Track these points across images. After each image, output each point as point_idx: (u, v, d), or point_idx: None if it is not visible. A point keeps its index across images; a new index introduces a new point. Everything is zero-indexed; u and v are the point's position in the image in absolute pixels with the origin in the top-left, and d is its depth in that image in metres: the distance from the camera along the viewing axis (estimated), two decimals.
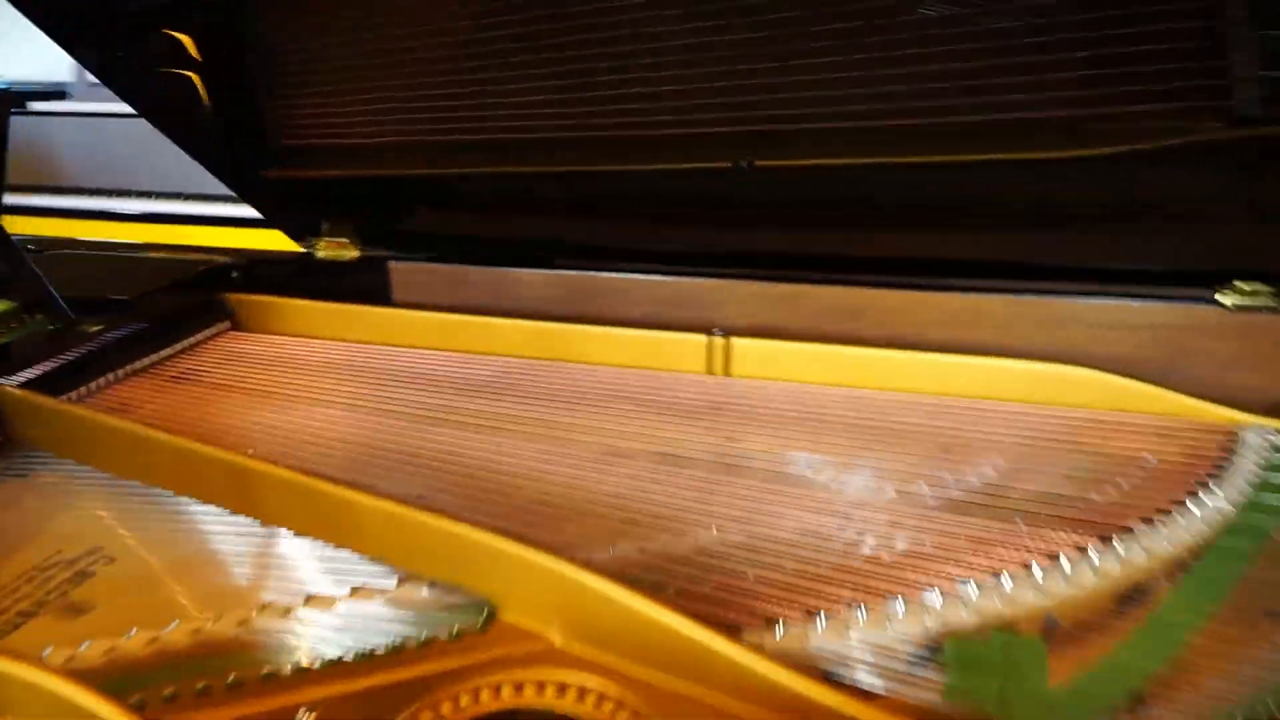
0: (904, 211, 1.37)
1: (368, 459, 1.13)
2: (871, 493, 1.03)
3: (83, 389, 1.27)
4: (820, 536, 0.96)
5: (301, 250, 1.54)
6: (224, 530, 1.04)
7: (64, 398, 1.23)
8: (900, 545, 0.94)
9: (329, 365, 1.39)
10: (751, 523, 0.98)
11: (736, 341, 1.30)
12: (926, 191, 1.34)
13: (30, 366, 1.27)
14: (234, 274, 1.52)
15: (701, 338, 1.31)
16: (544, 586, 0.84)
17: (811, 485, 1.06)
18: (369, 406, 1.26)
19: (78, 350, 1.33)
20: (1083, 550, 0.90)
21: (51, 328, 1.32)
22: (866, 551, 0.93)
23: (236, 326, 1.51)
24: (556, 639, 0.84)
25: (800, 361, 1.28)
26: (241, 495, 1.02)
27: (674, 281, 1.40)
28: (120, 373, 1.33)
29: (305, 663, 0.84)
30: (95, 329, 1.32)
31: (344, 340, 1.46)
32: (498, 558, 0.87)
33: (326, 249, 1.52)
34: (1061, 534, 0.94)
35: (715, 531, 0.97)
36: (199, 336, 1.45)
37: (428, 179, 1.52)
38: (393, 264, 1.50)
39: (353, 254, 1.52)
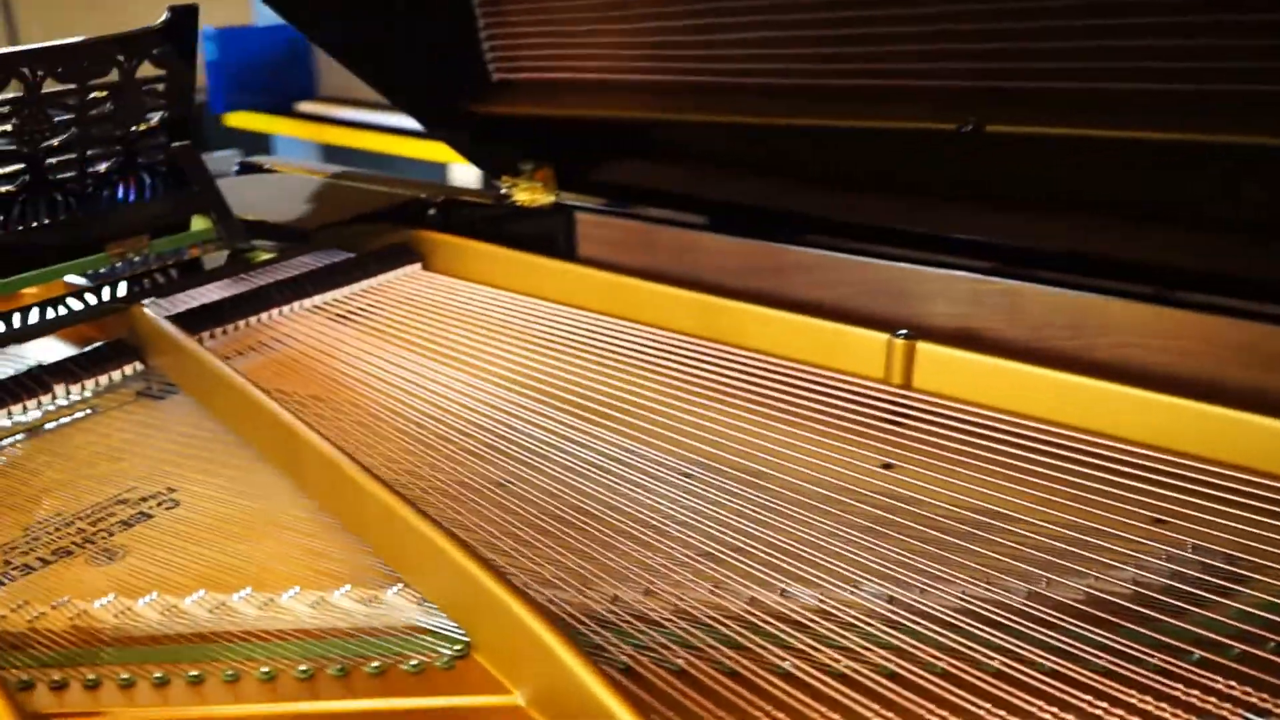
0: (1176, 207, 1.08)
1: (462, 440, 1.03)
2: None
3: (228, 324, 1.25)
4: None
5: (500, 191, 1.44)
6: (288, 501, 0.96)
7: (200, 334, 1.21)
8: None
9: (500, 324, 1.27)
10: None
11: (923, 347, 1.07)
12: (1214, 184, 1.05)
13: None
14: (431, 211, 1.45)
15: (883, 337, 1.09)
16: (514, 634, 0.70)
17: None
18: (509, 378, 1.15)
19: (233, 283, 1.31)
20: None
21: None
22: None
23: (428, 268, 1.44)
24: (521, 699, 0.70)
25: (999, 382, 1.02)
26: (287, 458, 0.95)
27: (870, 264, 1.18)
28: (283, 309, 1.29)
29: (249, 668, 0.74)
30: (265, 258, 1.30)
31: (527, 294, 1.34)
32: (476, 588, 0.73)
33: (525, 192, 1.41)
34: None
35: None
36: (383, 276, 1.38)
37: (635, 124, 1.37)
38: (580, 215, 1.38)
39: (549, 199, 1.40)
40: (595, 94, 1.36)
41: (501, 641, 0.71)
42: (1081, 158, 1.08)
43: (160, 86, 1.27)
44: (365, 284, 1.36)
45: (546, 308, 1.29)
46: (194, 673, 0.73)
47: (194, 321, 1.20)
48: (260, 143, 3.63)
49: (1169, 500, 0.86)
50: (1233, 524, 0.82)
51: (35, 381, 1.10)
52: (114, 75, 1.22)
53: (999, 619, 0.74)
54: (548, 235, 1.40)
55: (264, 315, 1.27)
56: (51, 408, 1.12)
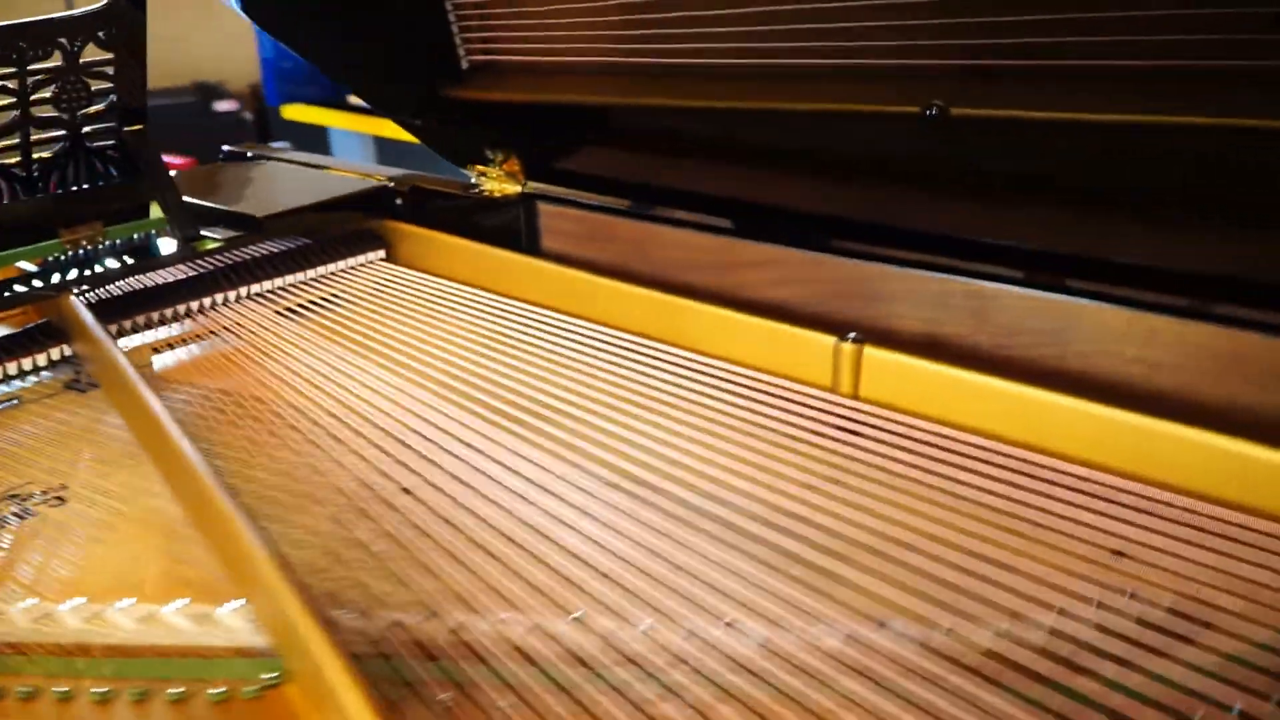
0: (1160, 200, 0.95)
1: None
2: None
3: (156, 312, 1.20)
4: None
5: (470, 181, 1.37)
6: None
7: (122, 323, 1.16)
8: None
9: (447, 322, 1.20)
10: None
11: (871, 354, 0.96)
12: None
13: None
14: (398, 200, 1.39)
15: (829, 341, 0.99)
16: (311, 668, 0.62)
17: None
18: (442, 381, 1.06)
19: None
20: None
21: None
22: None
23: (393, 258, 1.38)
24: None
25: (951, 394, 0.91)
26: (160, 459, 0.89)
27: (834, 262, 1.08)
28: (228, 296, 1.24)
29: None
30: (211, 247, 1.25)
31: (485, 288, 1.25)
32: (281, 610, 0.66)
33: (493, 181, 1.34)
34: None
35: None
36: (340, 263, 1.33)
37: (603, 111, 1.29)
38: (542, 206, 1.30)
39: (516, 188, 1.33)
40: (565, 79, 1.28)
41: (304, 672, 0.64)
42: (1059, 144, 0.97)
43: (109, 70, 1.23)
44: (320, 271, 1.30)
45: (498, 305, 1.21)
46: None
47: (115, 310, 1.16)
48: (316, 135, 3.63)
49: (1123, 536, 0.75)
50: (1195, 564, 0.71)
51: None
52: (58, 59, 1.19)
53: (873, 668, 0.64)
54: (511, 226, 1.32)
55: (206, 303, 1.22)
56: None
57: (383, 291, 1.28)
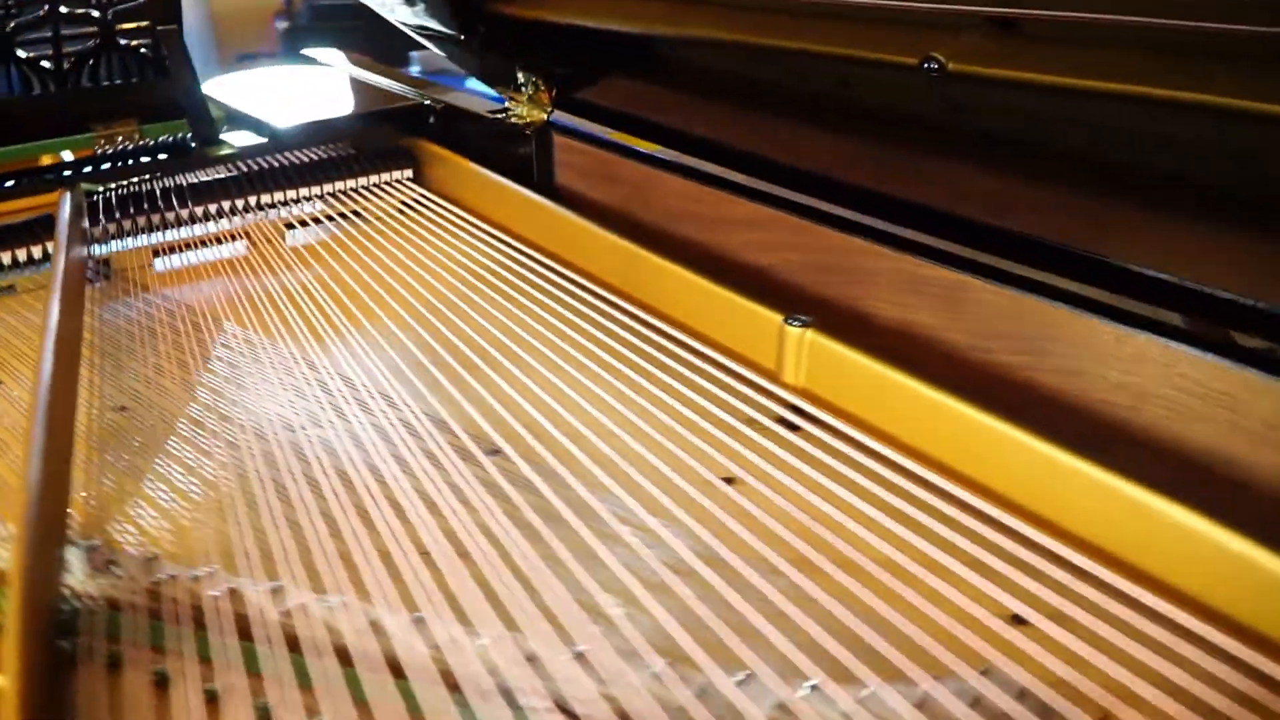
0: (1180, 194, 0.77)
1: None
2: None
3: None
4: None
5: (502, 105, 1.29)
6: None
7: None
8: None
9: (431, 263, 1.15)
10: None
11: (815, 341, 0.83)
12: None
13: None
14: (431, 119, 1.32)
15: (775, 319, 0.86)
16: None
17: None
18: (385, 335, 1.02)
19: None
20: None
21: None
22: None
23: (420, 179, 1.32)
24: None
25: (891, 399, 0.78)
26: None
27: (820, 231, 0.94)
28: (237, 204, 1.21)
29: None
30: (223, 153, 1.22)
31: (492, 221, 1.18)
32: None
33: (523, 107, 1.25)
34: None
35: None
36: (361, 181, 1.28)
37: (630, 39, 1.17)
38: (557, 137, 1.20)
39: (543, 116, 1.23)
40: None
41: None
42: (1075, 117, 0.80)
43: None
44: (340, 186, 1.26)
45: (488, 239, 1.14)
46: None
47: (116, 209, 1.15)
48: None
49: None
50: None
51: None
52: None
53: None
54: (529, 156, 1.24)
55: (215, 209, 1.20)
56: None
57: (391, 215, 1.23)
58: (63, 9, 1.19)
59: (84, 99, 1.23)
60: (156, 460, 0.81)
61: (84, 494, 0.77)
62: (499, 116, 1.27)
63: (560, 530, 0.70)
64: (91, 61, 1.23)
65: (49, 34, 1.20)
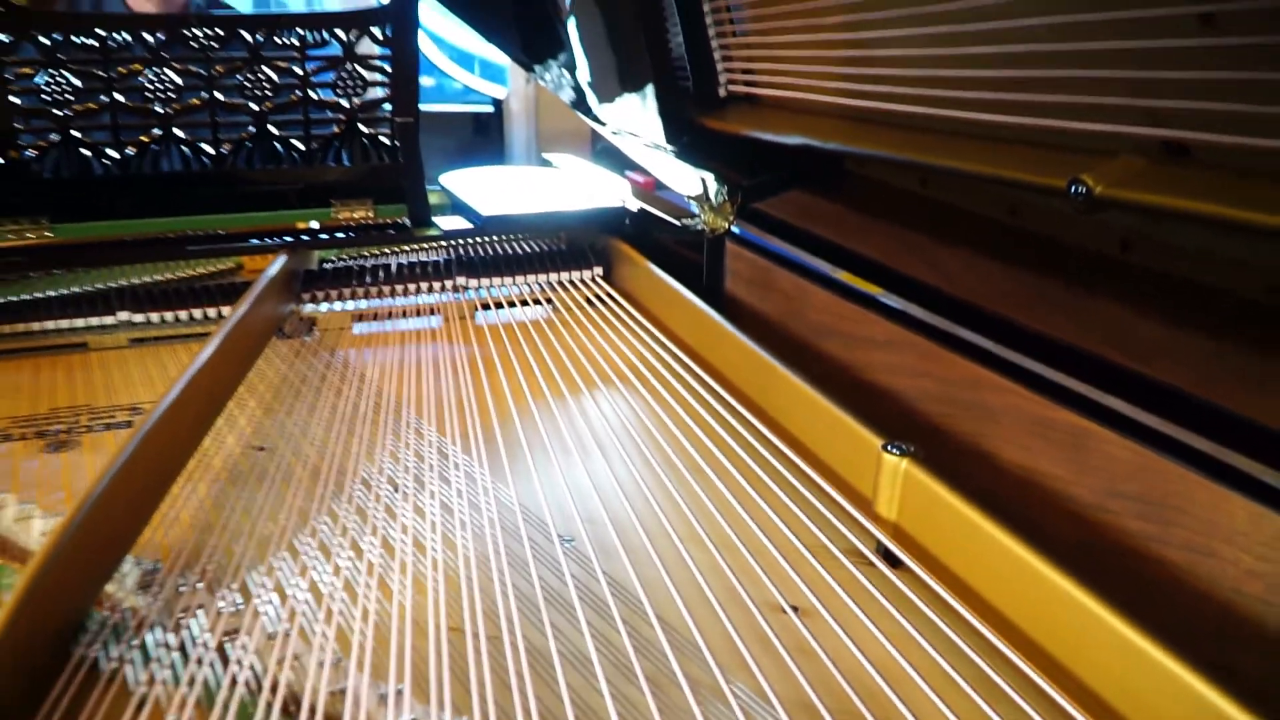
0: None
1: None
2: None
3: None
4: None
5: (691, 211, 1.24)
6: None
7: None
8: None
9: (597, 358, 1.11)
10: None
11: (913, 473, 0.72)
12: None
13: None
14: (626, 221, 1.29)
15: (875, 443, 0.75)
16: None
17: None
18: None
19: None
20: None
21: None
22: None
23: (609, 276, 1.29)
24: None
25: (986, 556, 0.65)
26: None
27: (946, 356, 0.82)
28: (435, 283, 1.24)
29: None
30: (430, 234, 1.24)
31: (659, 322, 1.15)
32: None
33: (708, 213, 1.20)
34: None
35: None
36: (552, 275, 1.27)
37: (815, 154, 1.09)
38: (730, 244, 1.13)
39: (725, 225, 1.17)
40: (802, 118, 1.11)
41: None
42: (1239, 253, 0.66)
43: (384, 65, 1.27)
44: (532, 278, 1.26)
45: (645, 344, 1.10)
46: None
47: (322, 279, 1.21)
48: None
49: None
50: None
51: None
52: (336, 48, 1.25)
53: None
54: (703, 261, 1.18)
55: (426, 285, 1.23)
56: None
57: (574, 307, 1.22)
58: (313, 95, 1.27)
59: (320, 176, 1.31)
60: (271, 503, 0.81)
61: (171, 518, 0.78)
62: (685, 223, 1.23)
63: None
64: (336, 146, 1.31)
65: (300, 118, 1.29)
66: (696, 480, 0.82)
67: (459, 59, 4.16)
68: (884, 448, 0.74)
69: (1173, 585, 0.64)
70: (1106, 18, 0.67)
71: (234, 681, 0.58)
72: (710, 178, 1.20)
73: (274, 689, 0.58)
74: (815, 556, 0.71)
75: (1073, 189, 0.71)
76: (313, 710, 0.56)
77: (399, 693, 0.58)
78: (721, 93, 1.22)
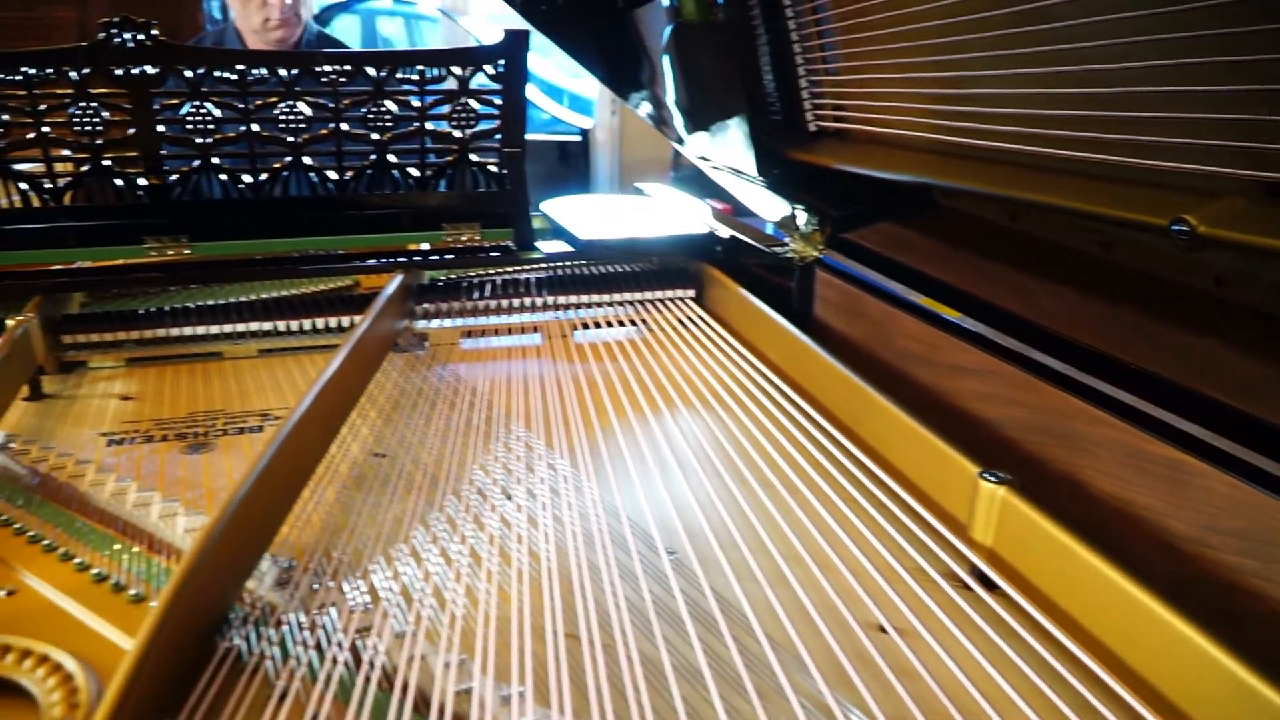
0: None
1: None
2: None
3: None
4: None
5: (777, 238, 1.23)
6: None
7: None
8: None
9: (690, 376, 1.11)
10: None
11: (1010, 501, 0.69)
12: None
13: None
14: (717, 248, 1.28)
15: (971, 471, 0.73)
16: None
17: None
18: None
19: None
20: None
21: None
22: None
23: (700, 299, 1.28)
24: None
25: (1082, 582, 0.63)
26: None
27: (1040, 386, 0.80)
28: (538, 302, 1.25)
29: None
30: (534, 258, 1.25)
31: (750, 345, 1.13)
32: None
33: (798, 242, 1.18)
34: None
35: None
36: (646, 294, 1.27)
37: (906, 187, 1.08)
38: (819, 271, 1.12)
39: (814, 254, 1.16)
40: (894, 152, 1.10)
41: None
42: None
43: (495, 99, 1.28)
44: (627, 296, 1.27)
45: (739, 365, 1.08)
46: None
47: (432, 293, 1.23)
48: None
49: None
50: None
51: None
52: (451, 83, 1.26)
53: None
54: (793, 288, 1.17)
55: (527, 302, 1.25)
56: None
57: (667, 328, 1.21)
58: (429, 126, 1.29)
59: (439, 201, 1.32)
60: (395, 509, 0.82)
61: (305, 517, 0.79)
62: (775, 250, 1.22)
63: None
64: (448, 173, 1.32)
65: (416, 147, 1.30)
66: (792, 498, 0.81)
67: (549, 92, 4.21)
68: (980, 475, 0.72)
69: (1274, 620, 0.62)
70: (1207, 61, 0.65)
71: (367, 680, 0.59)
72: (800, 208, 1.19)
73: (405, 688, 0.58)
74: (913, 578, 0.69)
75: (1175, 228, 0.69)
76: (442, 709, 0.56)
77: (520, 694, 0.58)
78: (811, 128, 1.21)
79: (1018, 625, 0.63)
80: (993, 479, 0.71)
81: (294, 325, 1.18)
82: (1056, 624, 0.61)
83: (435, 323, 1.22)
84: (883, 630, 0.64)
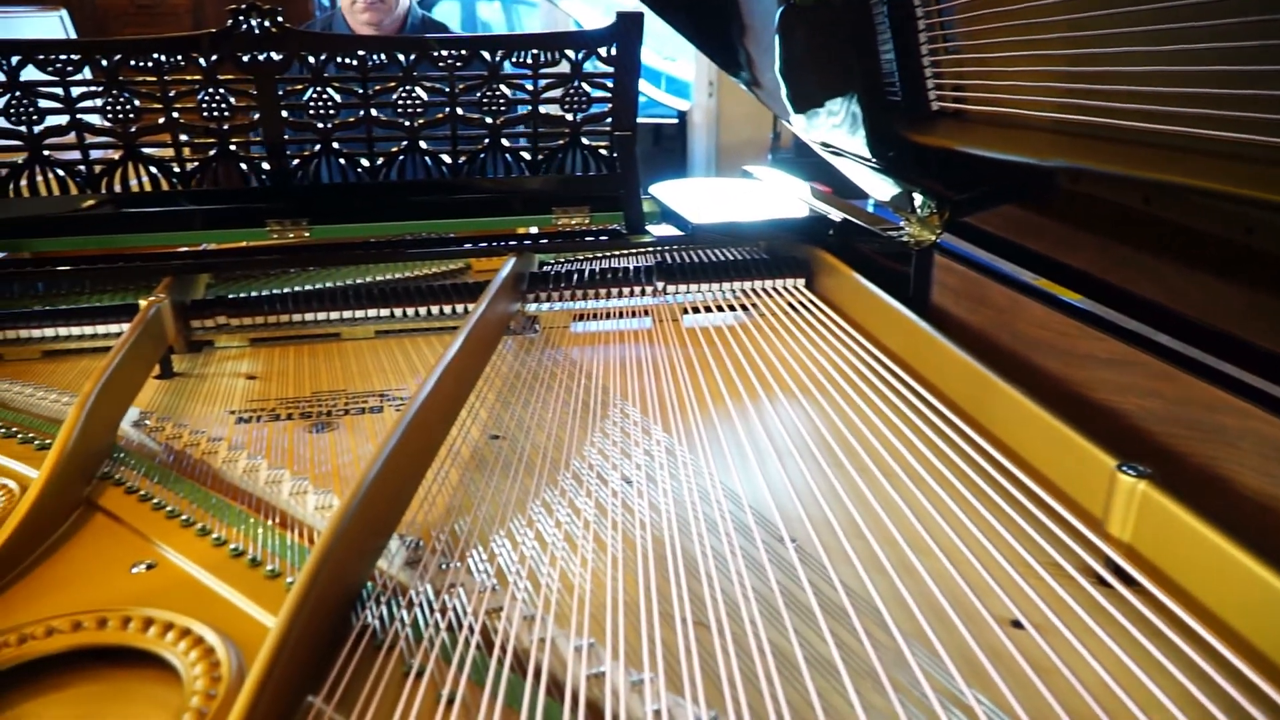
0: None
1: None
2: None
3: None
4: None
5: (893, 222, 1.19)
6: None
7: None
8: None
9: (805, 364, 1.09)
10: None
11: (1151, 494, 0.66)
12: None
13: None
14: (830, 232, 1.25)
15: (1108, 464, 0.70)
16: None
17: None
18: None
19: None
20: None
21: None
22: None
23: (812, 285, 1.26)
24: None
25: (1240, 585, 0.59)
26: None
27: (1180, 377, 0.76)
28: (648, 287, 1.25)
29: None
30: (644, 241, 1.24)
31: (865, 332, 1.11)
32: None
33: (914, 226, 1.15)
34: None
35: None
36: (756, 282, 1.25)
37: (1028, 169, 1.03)
38: (937, 256, 1.08)
39: (931, 238, 1.13)
40: (1017, 133, 1.06)
41: None
42: None
43: (608, 82, 1.27)
44: (738, 285, 1.25)
45: (855, 353, 1.06)
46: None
47: (543, 281, 1.23)
48: None
49: None
50: None
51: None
52: (565, 67, 1.26)
53: None
54: (910, 273, 1.14)
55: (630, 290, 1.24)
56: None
57: (778, 314, 1.19)
58: (542, 110, 1.30)
59: (551, 185, 1.33)
60: (517, 491, 0.82)
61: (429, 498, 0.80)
62: (891, 234, 1.19)
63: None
64: (559, 157, 1.33)
65: (528, 130, 1.31)
66: (917, 487, 0.79)
67: (645, 75, 4.20)
68: (1119, 468, 0.69)
69: None
70: None
71: (499, 662, 0.59)
72: (917, 191, 1.16)
73: (537, 673, 0.58)
74: (1047, 572, 0.67)
75: None
76: (575, 694, 0.57)
77: (652, 680, 0.58)
78: (934, 107, 1.17)
79: (1160, 622, 0.61)
80: (1133, 472, 0.68)
81: (409, 312, 1.20)
82: (1201, 622, 0.59)
83: (546, 306, 1.23)
84: (1018, 625, 0.62)
